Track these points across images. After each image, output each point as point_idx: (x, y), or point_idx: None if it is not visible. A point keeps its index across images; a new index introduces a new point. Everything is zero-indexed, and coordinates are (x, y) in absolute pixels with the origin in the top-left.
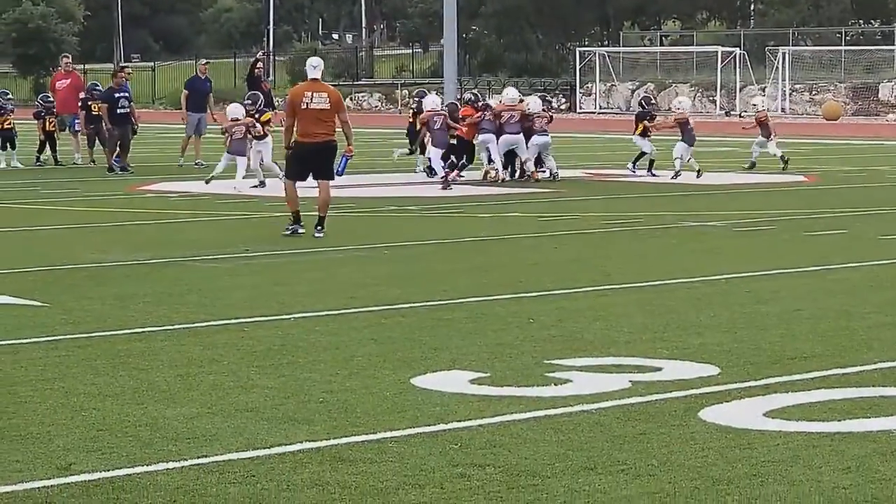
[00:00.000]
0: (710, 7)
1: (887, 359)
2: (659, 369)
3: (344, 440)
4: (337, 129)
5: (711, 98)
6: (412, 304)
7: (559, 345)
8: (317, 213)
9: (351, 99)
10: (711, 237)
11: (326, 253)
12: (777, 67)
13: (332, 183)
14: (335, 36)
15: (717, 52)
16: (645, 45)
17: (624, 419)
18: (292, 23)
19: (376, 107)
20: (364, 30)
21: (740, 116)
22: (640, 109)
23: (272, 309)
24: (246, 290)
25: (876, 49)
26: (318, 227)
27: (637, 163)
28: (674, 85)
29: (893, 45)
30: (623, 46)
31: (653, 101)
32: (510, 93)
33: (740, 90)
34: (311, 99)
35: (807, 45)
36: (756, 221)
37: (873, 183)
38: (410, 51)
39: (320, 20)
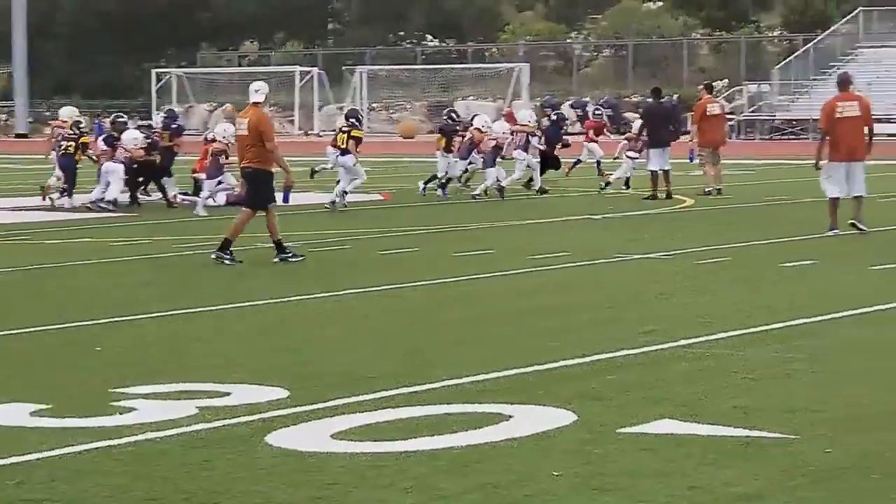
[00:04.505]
0: (288, 27)
1: (453, 376)
2: (227, 394)
3: None
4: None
5: (290, 118)
6: None
7: (126, 372)
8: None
9: None
10: None
11: None
12: (355, 87)
13: None
14: None
15: (295, 71)
16: (223, 66)
17: (189, 446)
18: None
19: None
20: None
21: (318, 136)
22: (446, 124)
23: None
24: None
25: (451, 67)
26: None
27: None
28: None
29: (467, 62)
30: (200, 67)
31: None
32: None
33: (319, 110)
34: (240, 125)
35: (384, 65)
36: (330, 241)
37: (447, 200)
38: None
39: None
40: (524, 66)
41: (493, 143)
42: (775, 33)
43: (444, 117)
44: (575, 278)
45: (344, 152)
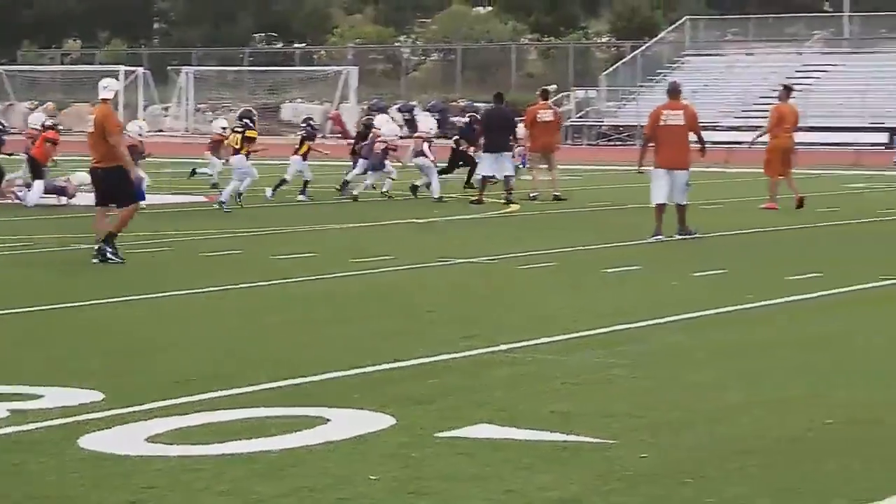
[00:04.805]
0: (112, 25)
1: (273, 379)
2: (40, 397)
3: None
4: None
5: None
6: None
7: None
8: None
9: None
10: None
11: None
12: (181, 87)
13: None
14: None
15: (119, 70)
16: (45, 64)
17: (0, 450)
18: None
19: None
20: None
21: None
22: (308, 130)
23: None
24: None
25: (279, 70)
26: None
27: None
28: (75, 104)
29: (296, 64)
30: (21, 64)
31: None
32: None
33: (144, 109)
34: (88, 122)
35: (210, 65)
36: (151, 243)
37: (278, 203)
38: None
39: None
40: (352, 70)
41: (384, 146)
42: (603, 40)
43: (304, 124)
44: (398, 282)
45: (236, 152)
